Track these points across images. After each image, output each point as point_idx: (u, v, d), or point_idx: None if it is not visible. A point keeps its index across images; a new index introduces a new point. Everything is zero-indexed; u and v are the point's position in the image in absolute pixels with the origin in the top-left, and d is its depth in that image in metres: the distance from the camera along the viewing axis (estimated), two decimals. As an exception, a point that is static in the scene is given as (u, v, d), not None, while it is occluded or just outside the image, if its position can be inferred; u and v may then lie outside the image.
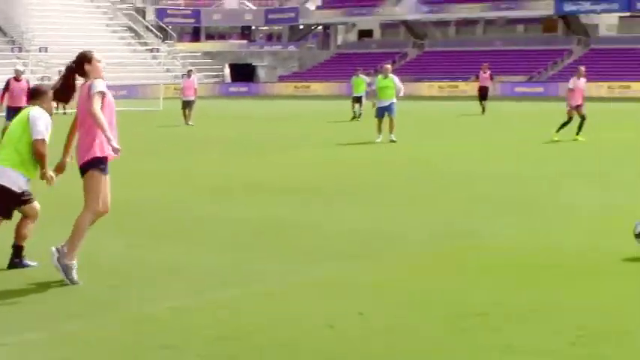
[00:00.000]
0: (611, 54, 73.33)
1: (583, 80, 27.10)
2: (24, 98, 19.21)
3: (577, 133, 26.18)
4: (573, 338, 7.10)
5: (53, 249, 8.83)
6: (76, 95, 9.09)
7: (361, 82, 39.25)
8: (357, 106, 38.49)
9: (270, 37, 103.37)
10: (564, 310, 7.95)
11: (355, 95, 39.04)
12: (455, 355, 6.80)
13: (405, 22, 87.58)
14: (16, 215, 9.41)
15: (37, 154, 9.10)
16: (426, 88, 72.57)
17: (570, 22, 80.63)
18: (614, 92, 64.37)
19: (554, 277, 9.25)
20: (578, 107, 26.41)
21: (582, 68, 27.89)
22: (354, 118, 38.03)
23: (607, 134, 27.75)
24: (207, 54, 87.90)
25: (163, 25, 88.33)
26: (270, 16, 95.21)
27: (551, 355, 6.73)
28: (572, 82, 26.80)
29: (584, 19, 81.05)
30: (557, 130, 26.29)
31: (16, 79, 26.12)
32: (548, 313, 7.88)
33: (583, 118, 26.33)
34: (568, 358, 6.70)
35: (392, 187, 16.88)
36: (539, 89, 70.14)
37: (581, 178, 17.80)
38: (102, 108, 8.79)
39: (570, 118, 26.40)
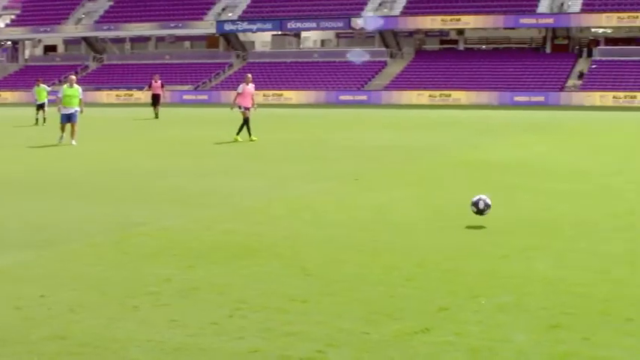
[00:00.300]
0: (265, 66, 75.37)
1: (251, 86, 27.52)
2: None
3: (237, 134, 26.54)
4: (231, 311, 7.08)
5: None
6: None
7: (42, 90, 38.05)
8: (40, 112, 37.18)
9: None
10: (224, 287, 7.92)
11: (38, 103, 37.73)
12: (127, 330, 6.57)
13: (85, 39, 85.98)
14: None
15: None
16: (105, 96, 72.06)
17: (230, 40, 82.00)
18: (269, 99, 66.06)
19: (216, 259, 9.23)
20: (246, 109, 26.81)
21: (249, 75, 28.30)
22: (36, 123, 36.68)
23: (266, 135, 28.28)
24: None
25: None
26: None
27: (212, 327, 6.65)
28: (242, 88, 27.19)
29: (242, 37, 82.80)
30: (237, 133, 26.53)
31: None
32: (210, 289, 7.84)
33: (246, 121, 26.74)
34: (226, 327, 6.64)
35: (70, 183, 16.33)
36: (205, 97, 70.97)
37: (244, 173, 18.01)
38: None
39: (246, 120, 26.71)
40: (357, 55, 74.55)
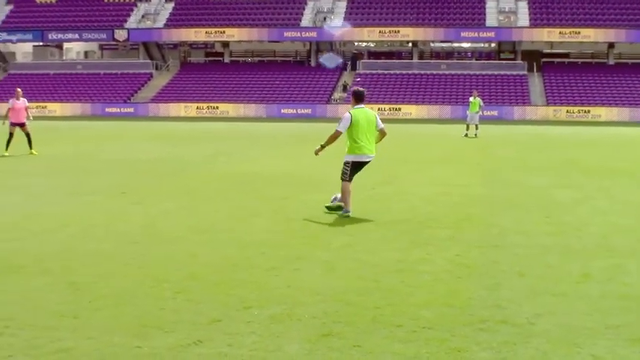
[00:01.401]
0: (28, 78, 72.97)
1: (23, 100, 27.16)
2: None
3: (30, 148, 26.30)
4: (2, 329, 6.89)
5: None
6: None
7: None
8: None
9: None
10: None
11: None
12: None
13: None
14: None
15: None
16: None
17: (-9, 50, 79.19)
18: (33, 112, 63.74)
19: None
20: (21, 125, 26.61)
21: (19, 90, 27.82)
22: None
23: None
24: None
25: None
26: None
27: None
28: (12, 103, 26.77)
29: (3, 47, 79.78)
30: (6, 148, 26.07)
31: None
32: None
33: (27, 134, 26.62)
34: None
35: None
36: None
37: (8, 187, 17.36)
38: None
39: (12, 134, 26.44)
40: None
